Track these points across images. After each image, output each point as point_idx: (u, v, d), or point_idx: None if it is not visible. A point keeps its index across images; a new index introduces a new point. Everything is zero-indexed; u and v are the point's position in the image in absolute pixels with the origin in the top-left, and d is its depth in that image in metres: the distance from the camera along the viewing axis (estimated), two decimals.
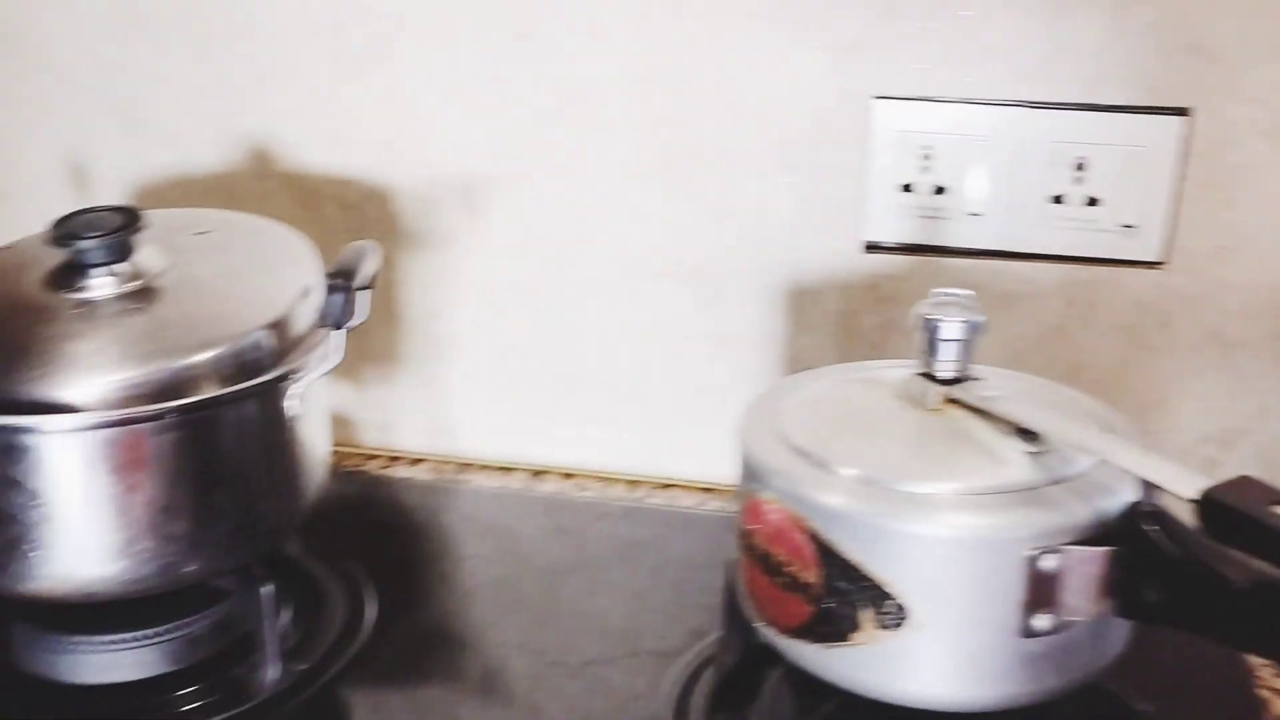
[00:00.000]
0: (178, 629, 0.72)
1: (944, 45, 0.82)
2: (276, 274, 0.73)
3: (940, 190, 0.85)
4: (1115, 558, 0.56)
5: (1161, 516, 0.55)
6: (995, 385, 0.62)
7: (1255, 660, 0.73)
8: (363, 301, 0.72)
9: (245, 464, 0.69)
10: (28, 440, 0.63)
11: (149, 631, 0.71)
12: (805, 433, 0.62)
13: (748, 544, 0.63)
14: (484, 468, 0.99)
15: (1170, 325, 0.85)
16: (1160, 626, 0.56)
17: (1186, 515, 0.54)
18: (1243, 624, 0.51)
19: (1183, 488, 0.52)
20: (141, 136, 0.95)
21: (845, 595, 0.58)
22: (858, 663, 0.59)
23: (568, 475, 0.98)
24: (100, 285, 0.69)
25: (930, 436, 0.61)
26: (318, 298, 0.73)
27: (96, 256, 0.69)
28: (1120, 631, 0.60)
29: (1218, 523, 0.51)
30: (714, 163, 0.88)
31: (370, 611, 0.79)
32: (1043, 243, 0.85)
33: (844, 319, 0.89)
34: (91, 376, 0.65)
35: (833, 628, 0.59)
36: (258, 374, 0.68)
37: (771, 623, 0.62)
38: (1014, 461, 0.58)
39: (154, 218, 0.72)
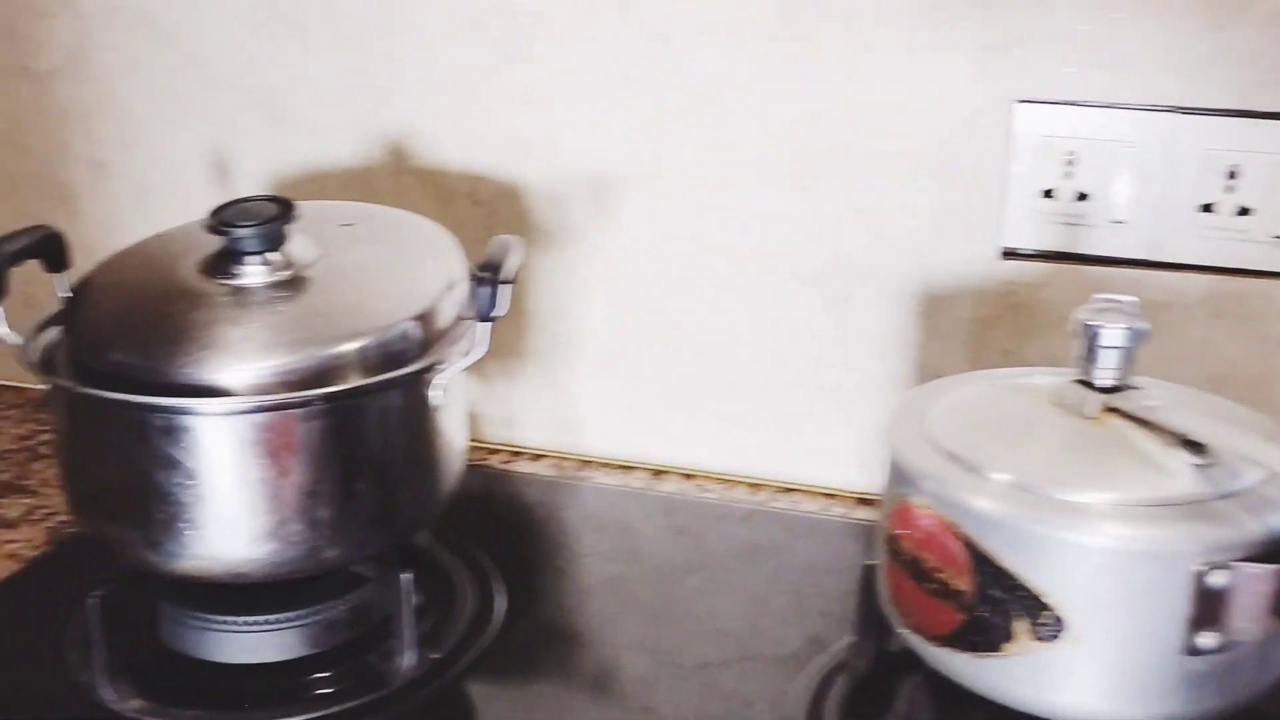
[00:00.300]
0: (316, 613, 0.73)
1: (1092, 48, 0.80)
2: (422, 266, 0.74)
3: (1083, 196, 0.83)
4: None
5: None
6: (1157, 395, 0.60)
7: None
8: (505, 295, 0.72)
9: (388, 453, 0.70)
10: (186, 422, 0.65)
11: (289, 614, 0.72)
12: (956, 437, 0.61)
13: (895, 549, 0.62)
14: (605, 465, 0.99)
15: None
16: None
17: None
18: None
19: None
20: (282, 131, 0.97)
21: (999, 604, 0.57)
22: (1010, 674, 0.57)
23: (688, 476, 0.98)
24: (253, 273, 0.71)
25: (1089, 445, 0.59)
26: (462, 290, 0.74)
27: (251, 245, 0.70)
28: None
29: None
30: (848, 164, 0.87)
31: (499, 604, 0.79)
32: (1189, 252, 0.82)
33: (977, 326, 0.88)
34: (245, 362, 0.66)
35: (984, 637, 0.57)
36: (402, 364, 0.69)
37: (917, 629, 0.61)
38: (1179, 473, 0.57)
39: (302, 209, 0.73)
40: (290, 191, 0.96)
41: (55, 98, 1.01)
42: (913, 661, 0.67)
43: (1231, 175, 0.80)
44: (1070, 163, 0.82)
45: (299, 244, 0.73)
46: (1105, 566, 0.55)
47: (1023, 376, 0.67)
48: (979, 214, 0.85)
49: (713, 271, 0.92)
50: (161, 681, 0.72)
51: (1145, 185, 0.82)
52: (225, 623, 0.72)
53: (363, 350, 0.68)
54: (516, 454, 1.01)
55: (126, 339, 0.67)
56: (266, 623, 0.72)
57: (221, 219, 0.70)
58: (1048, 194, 0.84)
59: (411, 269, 0.74)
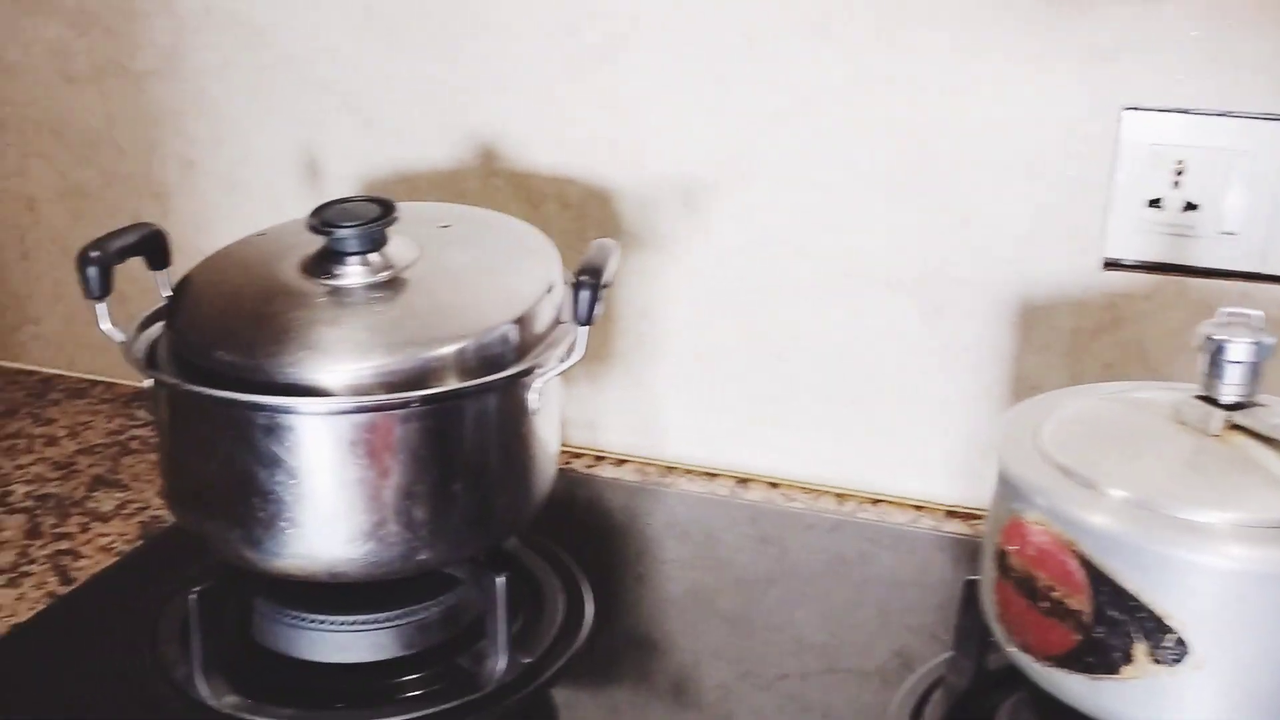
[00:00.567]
0: (410, 614, 0.73)
1: (1203, 53, 0.78)
2: (520, 269, 0.74)
3: (1191, 206, 0.81)
4: None
5: None
6: None
7: None
8: (603, 300, 0.72)
9: (485, 455, 0.70)
10: (289, 421, 0.65)
11: (383, 615, 0.72)
12: (1070, 451, 0.59)
13: (1005, 565, 0.61)
14: (689, 472, 0.99)
15: None
16: None
17: None
18: None
19: None
20: (372, 132, 0.98)
21: (1118, 625, 0.55)
22: (1127, 698, 0.56)
23: (774, 484, 0.97)
24: (353, 273, 0.71)
25: (1211, 462, 0.58)
26: (559, 294, 0.74)
27: (352, 245, 0.70)
28: None
29: None
30: (947, 171, 0.85)
31: (589, 609, 0.79)
32: None
33: (1077, 338, 0.86)
34: (346, 362, 0.66)
35: (1101, 659, 0.56)
36: (499, 367, 0.68)
37: (1027, 648, 0.60)
38: None
39: (401, 210, 0.73)
40: (378, 192, 0.97)
41: (150, 97, 1.03)
42: (1014, 680, 0.66)
43: None
44: (1179, 171, 0.80)
45: (398, 245, 0.73)
46: (1230, 589, 0.53)
47: (1136, 391, 0.66)
48: (1081, 223, 0.84)
49: (804, 277, 0.91)
50: (255, 679, 0.72)
51: (1257, 195, 0.79)
52: (319, 622, 0.72)
53: (461, 352, 0.67)
54: (599, 458, 1.01)
55: (230, 338, 0.67)
56: (360, 623, 0.72)
57: (323, 219, 0.70)
58: (1154, 203, 0.82)
59: (509, 271, 0.74)
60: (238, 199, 1.03)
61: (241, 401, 0.64)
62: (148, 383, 0.70)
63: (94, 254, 0.70)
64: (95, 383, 1.13)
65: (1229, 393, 0.59)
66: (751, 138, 0.89)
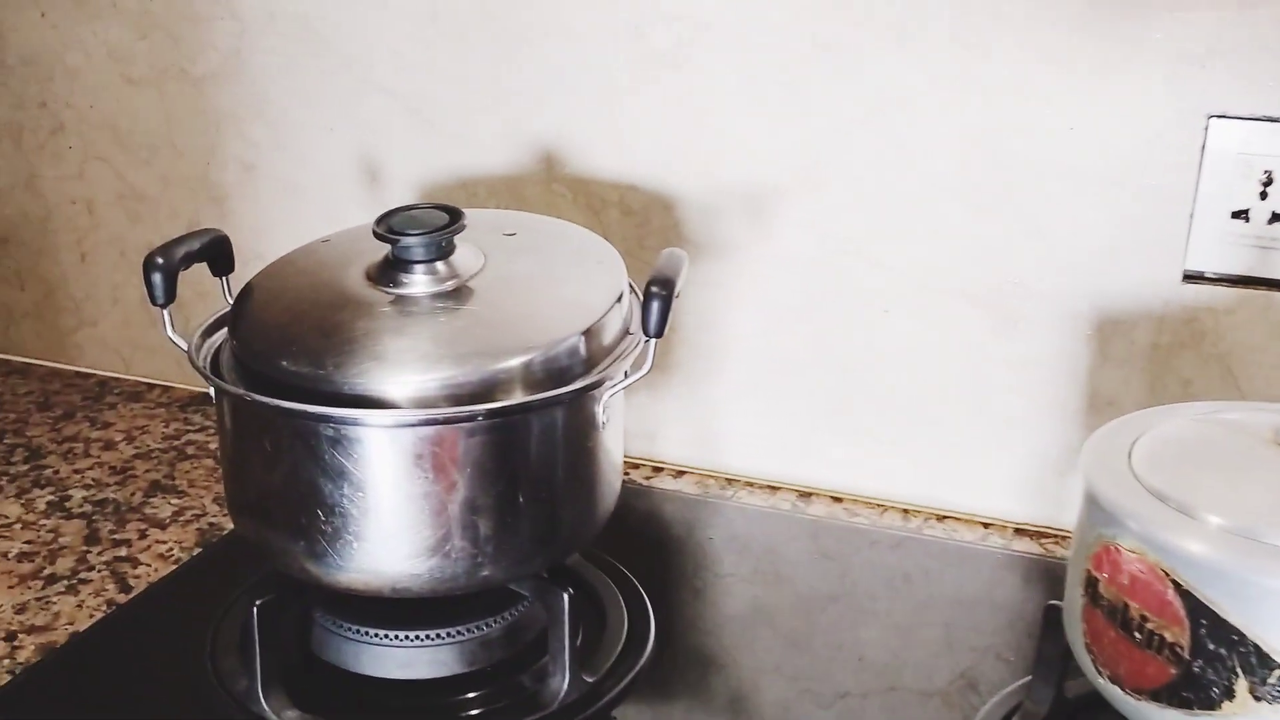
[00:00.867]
0: (472, 631, 0.72)
1: None
2: (588, 279, 0.72)
3: (1278, 218, 0.78)
4: None
5: None
6: None
7: None
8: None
9: (551, 469, 0.68)
10: (356, 433, 0.63)
11: (445, 631, 0.71)
12: (1164, 475, 0.57)
13: (1094, 592, 0.58)
14: (750, 484, 0.97)
15: None
16: None
17: None
18: None
19: None
20: (432, 136, 0.97)
21: (1218, 659, 0.53)
22: None
23: (837, 499, 0.95)
24: (419, 282, 0.69)
25: None
26: (626, 304, 0.72)
27: (419, 253, 0.69)
28: None
29: None
30: (1023, 180, 0.83)
31: (652, 627, 0.77)
32: None
33: (1156, 353, 0.83)
34: (412, 373, 0.65)
35: (1200, 695, 0.53)
36: (566, 379, 0.67)
37: (1119, 680, 0.58)
38: None
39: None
40: (439, 197, 0.96)
41: (210, 100, 1.02)
42: (1095, 709, 0.64)
43: None
44: (1266, 182, 0.78)
45: (463, 253, 0.71)
46: None
47: (1229, 411, 0.63)
48: (1162, 235, 0.81)
49: (873, 287, 0.89)
50: (314, 694, 0.71)
51: None
52: (380, 637, 0.71)
53: (528, 364, 0.66)
54: (658, 469, 0.99)
55: (295, 347, 0.66)
56: (421, 638, 0.71)
57: (390, 226, 0.69)
58: (1239, 215, 0.79)
59: (577, 281, 0.72)
60: (297, 203, 1.03)
61: (309, 413, 0.63)
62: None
63: (159, 260, 0.69)
64: (152, 386, 1.12)
65: None
66: (823, 145, 0.87)
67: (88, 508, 0.92)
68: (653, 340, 0.67)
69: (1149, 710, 0.56)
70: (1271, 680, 0.52)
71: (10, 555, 0.86)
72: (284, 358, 0.66)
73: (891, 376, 0.91)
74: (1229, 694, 0.53)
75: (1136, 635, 0.55)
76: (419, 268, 0.69)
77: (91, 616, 0.79)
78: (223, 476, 0.74)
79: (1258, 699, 0.52)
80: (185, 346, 0.70)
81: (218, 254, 0.74)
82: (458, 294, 0.69)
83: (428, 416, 0.63)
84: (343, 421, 0.63)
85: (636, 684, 0.73)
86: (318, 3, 0.96)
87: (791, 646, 0.78)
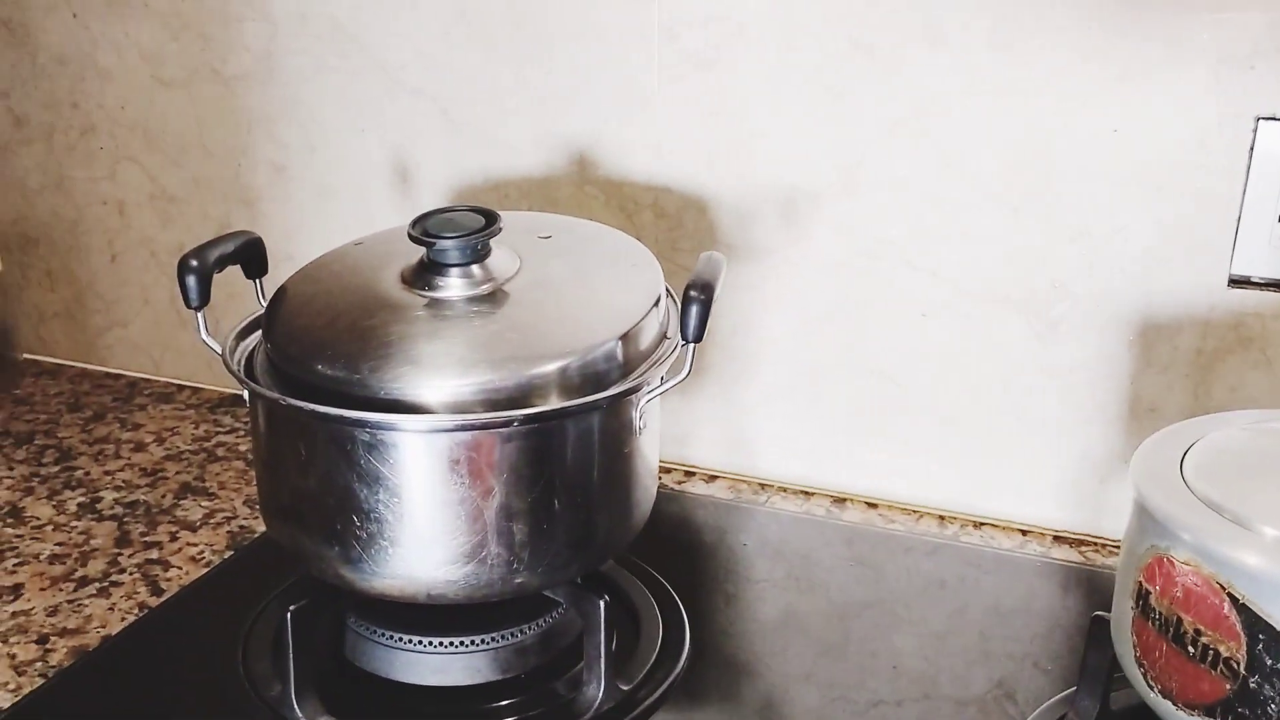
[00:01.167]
0: (507, 637, 0.71)
1: None
2: (625, 283, 0.71)
3: None
4: None
5: None
6: None
7: None
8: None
9: (588, 475, 0.67)
10: (393, 438, 0.63)
11: (479, 637, 0.70)
12: (1219, 485, 0.56)
13: (1145, 605, 0.57)
14: (783, 490, 0.96)
15: None
16: None
17: None
18: None
19: None
20: (463, 138, 0.96)
21: (1275, 675, 0.51)
22: None
23: (872, 505, 0.94)
24: (454, 285, 0.69)
25: None
26: (664, 308, 0.71)
27: (454, 257, 0.68)
28: None
29: None
30: (1065, 183, 0.82)
31: (687, 634, 0.76)
32: None
33: (1199, 359, 0.82)
34: (448, 378, 0.64)
35: (1256, 711, 0.52)
36: (603, 384, 0.66)
37: (1170, 695, 0.56)
38: None
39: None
40: (470, 199, 0.96)
41: (241, 101, 1.02)
42: None
43: None
44: None
45: (499, 256, 0.71)
46: None
47: None
48: (1207, 239, 0.80)
49: (909, 291, 0.88)
50: (347, 700, 0.71)
51: None
52: (413, 643, 0.71)
53: (565, 370, 0.65)
54: (690, 474, 0.98)
55: (330, 351, 0.66)
56: (455, 645, 0.70)
57: (425, 229, 0.69)
58: None
59: (613, 285, 0.71)
60: (327, 205, 1.02)
61: (345, 417, 0.62)
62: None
63: (193, 263, 0.68)
64: (182, 387, 1.12)
65: None
66: (860, 148, 0.86)
67: (119, 509, 0.92)
68: (691, 345, 0.67)
69: None
70: None
71: (42, 557, 0.86)
72: (319, 361, 0.66)
73: (928, 381, 0.89)
74: None
75: (1190, 649, 0.54)
76: (454, 271, 0.69)
77: (123, 619, 0.79)
78: (256, 480, 0.74)
79: None
80: (219, 350, 0.70)
81: (251, 256, 0.73)
82: (493, 298, 0.69)
83: (464, 422, 0.63)
84: (379, 426, 0.62)
85: (672, 692, 0.72)
86: (349, 4, 0.95)
87: (824, 654, 0.77)
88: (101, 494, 0.94)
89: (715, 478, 0.98)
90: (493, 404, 0.64)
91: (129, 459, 1.00)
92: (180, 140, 1.05)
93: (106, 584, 0.83)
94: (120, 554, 0.86)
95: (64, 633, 0.78)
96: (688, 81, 0.89)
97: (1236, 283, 0.80)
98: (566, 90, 0.92)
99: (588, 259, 0.74)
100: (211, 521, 0.91)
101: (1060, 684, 0.73)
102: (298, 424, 0.66)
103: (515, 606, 0.71)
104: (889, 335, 0.89)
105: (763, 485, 0.96)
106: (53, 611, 0.80)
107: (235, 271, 0.74)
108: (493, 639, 0.70)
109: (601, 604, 0.68)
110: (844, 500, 0.94)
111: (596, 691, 0.69)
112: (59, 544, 0.87)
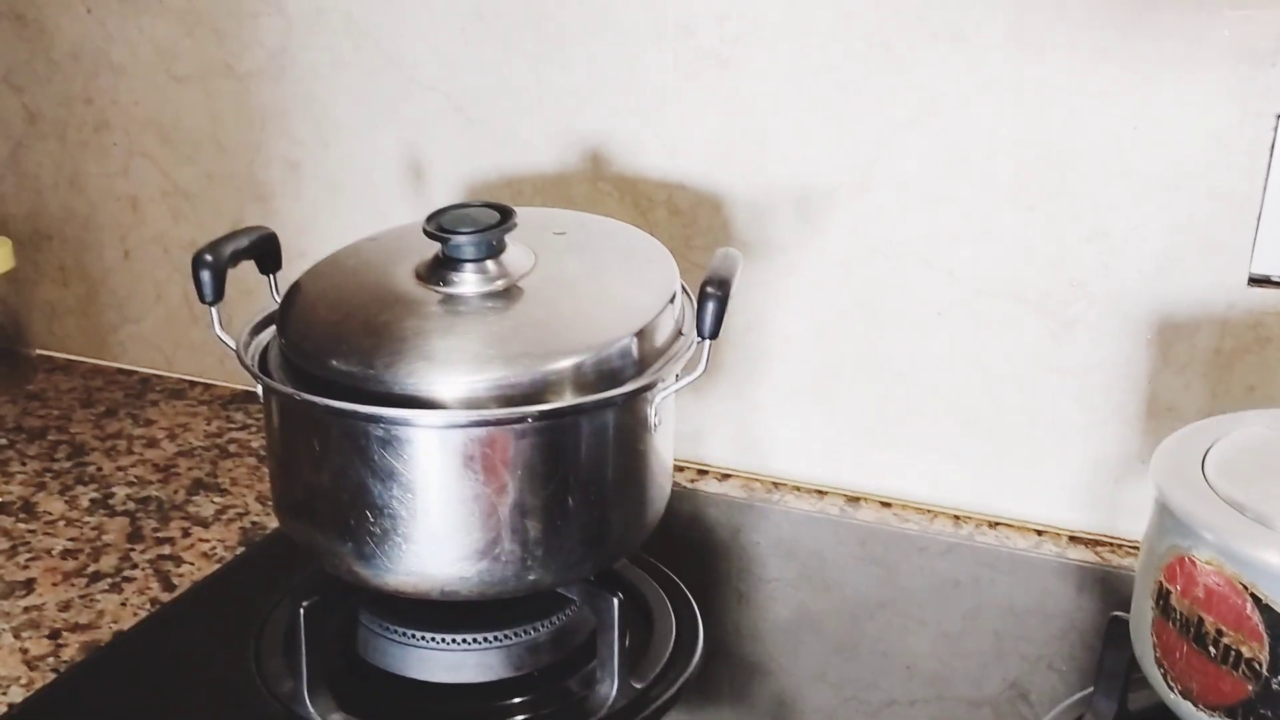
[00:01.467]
0: (520, 635, 0.71)
1: None
2: (640, 279, 0.71)
3: None
4: None
5: None
6: None
7: None
8: None
9: (603, 472, 0.67)
10: (407, 434, 0.63)
11: (493, 634, 0.70)
12: (1242, 485, 0.55)
13: (1166, 605, 0.57)
14: (796, 488, 0.95)
15: None
16: None
17: None
18: None
19: None
20: (477, 135, 0.96)
21: None
22: None
23: (886, 504, 0.93)
24: (469, 281, 0.68)
25: None
26: (679, 305, 0.71)
27: (469, 252, 0.68)
28: None
29: None
30: (1081, 181, 0.81)
31: (700, 633, 0.76)
32: None
33: (1218, 359, 0.81)
34: (463, 374, 0.64)
35: (1278, 711, 0.52)
36: (618, 381, 0.66)
37: (1191, 697, 0.56)
38: None
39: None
40: (484, 196, 0.95)
41: (256, 97, 1.02)
42: None
43: None
44: None
45: (513, 252, 0.70)
46: None
47: None
48: (1226, 237, 0.79)
49: (924, 290, 0.87)
50: (360, 696, 0.71)
51: None
52: (426, 639, 0.70)
53: (579, 366, 0.65)
54: (703, 472, 0.98)
55: (345, 346, 0.65)
56: (468, 642, 0.70)
57: (440, 224, 0.68)
58: None
59: (629, 282, 0.71)
60: (341, 201, 1.02)
61: (359, 413, 0.62)
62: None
63: (208, 258, 0.68)
64: (194, 383, 1.12)
65: None
66: (875, 145, 0.85)
67: (131, 505, 0.92)
68: (707, 342, 0.66)
69: None
70: None
71: (54, 552, 0.86)
72: (334, 357, 0.65)
73: (943, 380, 0.89)
74: None
75: (1211, 650, 0.54)
76: (469, 266, 0.68)
77: (135, 615, 0.79)
78: (269, 476, 0.73)
79: None
80: (234, 345, 0.70)
81: (266, 252, 0.73)
82: (508, 293, 0.68)
83: (479, 418, 0.62)
84: (393, 422, 0.62)
85: (685, 691, 0.72)
86: (363, 0, 0.95)
87: (838, 653, 0.77)
88: (114, 489, 0.94)
89: (728, 476, 0.97)
90: (507, 400, 0.63)
91: (141, 455, 0.99)
92: (194, 136, 1.05)
93: (119, 579, 0.83)
94: (132, 549, 0.86)
95: (76, 628, 0.78)
96: (703, 79, 0.88)
97: (1257, 281, 0.79)
98: (582, 87, 0.92)
99: (603, 255, 0.74)
100: (224, 517, 0.90)
101: (1075, 684, 0.72)
102: (311, 419, 0.66)
103: (528, 604, 0.71)
104: (904, 334, 0.89)
105: (776, 484, 0.96)
106: (65, 606, 0.80)
107: (249, 267, 0.73)
108: (506, 636, 0.70)
109: (615, 601, 0.68)
110: (858, 499, 0.94)
111: (610, 689, 0.69)
112: (71, 539, 0.87)
